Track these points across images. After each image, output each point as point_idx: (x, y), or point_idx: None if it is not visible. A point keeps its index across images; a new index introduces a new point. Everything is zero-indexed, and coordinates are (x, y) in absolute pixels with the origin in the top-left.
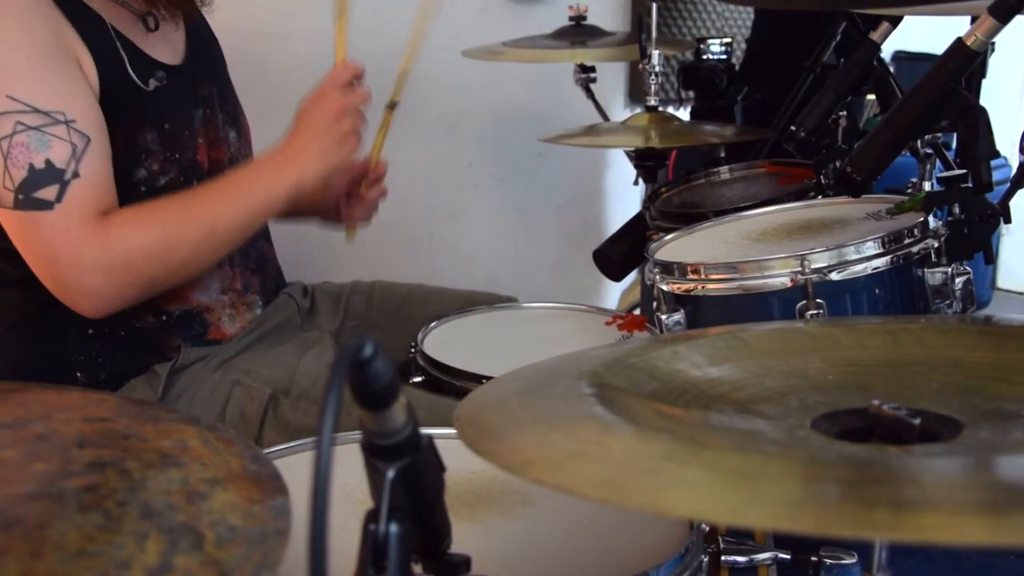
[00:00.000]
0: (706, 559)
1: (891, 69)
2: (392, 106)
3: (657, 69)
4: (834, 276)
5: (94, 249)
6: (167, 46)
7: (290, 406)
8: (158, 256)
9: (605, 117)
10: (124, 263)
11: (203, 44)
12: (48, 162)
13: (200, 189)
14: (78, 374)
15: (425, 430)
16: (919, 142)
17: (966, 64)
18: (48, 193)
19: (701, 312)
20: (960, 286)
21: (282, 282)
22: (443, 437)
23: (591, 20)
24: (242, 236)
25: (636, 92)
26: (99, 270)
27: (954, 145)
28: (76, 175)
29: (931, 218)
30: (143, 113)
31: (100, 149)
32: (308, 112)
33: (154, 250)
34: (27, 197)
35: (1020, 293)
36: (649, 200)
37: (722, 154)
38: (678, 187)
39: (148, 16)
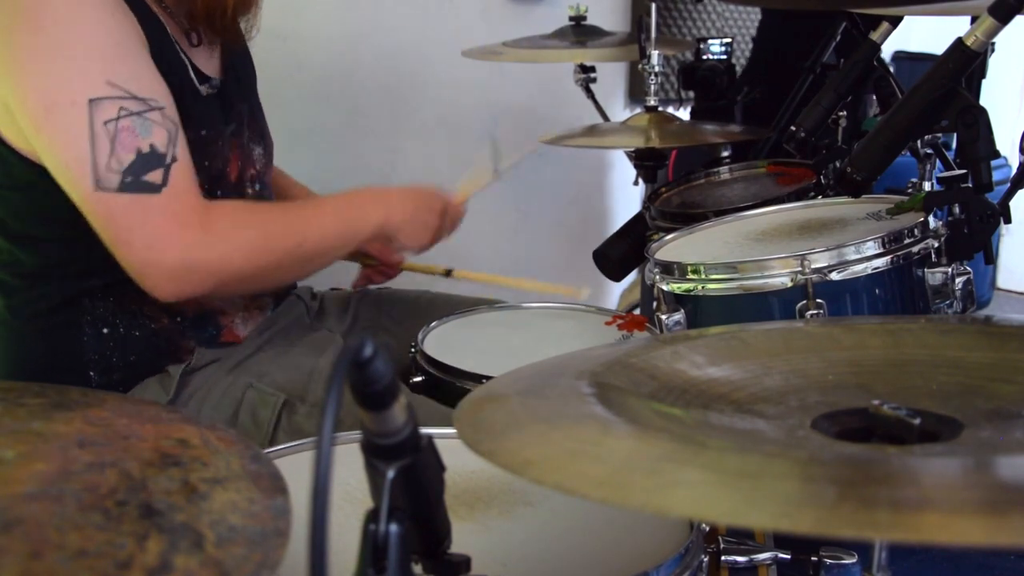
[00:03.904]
0: (706, 559)
1: (891, 69)
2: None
3: (657, 69)
4: (834, 276)
5: (197, 232)
6: (207, 60)
7: (306, 413)
8: (252, 256)
9: (605, 117)
10: (221, 253)
11: (238, 61)
12: (152, 147)
13: (296, 203)
14: (91, 373)
15: (425, 430)
16: (919, 142)
17: (966, 64)
18: (155, 176)
19: (701, 312)
20: (960, 286)
21: (292, 286)
22: (443, 437)
23: (591, 20)
24: (322, 259)
25: (636, 92)
26: (196, 254)
27: (954, 145)
28: (175, 159)
29: (931, 218)
30: (189, 117)
31: (183, 136)
32: (422, 191)
33: (250, 249)
34: (136, 180)
35: (1020, 293)
36: (649, 200)
37: (724, 153)
38: (678, 187)
39: (191, 32)
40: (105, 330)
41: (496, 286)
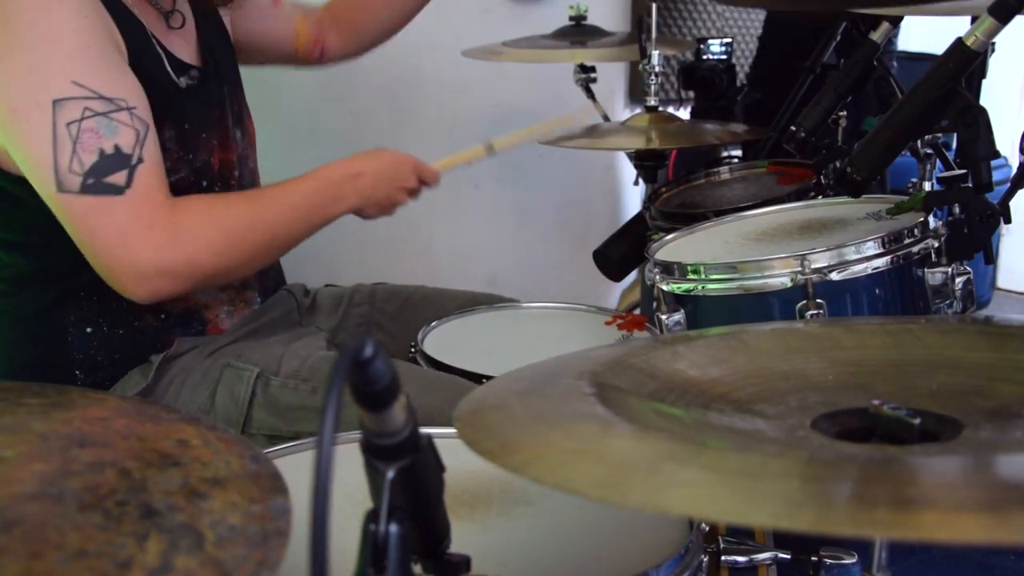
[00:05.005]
0: (706, 559)
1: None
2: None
3: (657, 69)
4: (834, 276)
5: (163, 233)
6: (186, 46)
7: (280, 384)
8: (221, 253)
9: (605, 117)
10: (188, 253)
11: (216, 42)
12: (117, 147)
13: (267, 194)
14: (77, 372)
15: (425, 430)
16: (919, 142)
17: (966, 64)
18: (118, 178)
19: (701, 312)
20: (960, 286)
21: (281, 281)
22: (443, 437)
23: (591, 20)
24: (290, 247)
25: (636, 92)
26: (164, 255)
27: (954, 145)
28: (141, 160)
29: (931, 218)
30: (169, 112)
31: (154, 136)
32: (389, 161)
33: (219, 247)
34: (97, 182)
35: (1020, 293)
36: (649, 200)
37: (725, 153)
38: (678, 187)
39: (173, 13)
40: (89, 329)
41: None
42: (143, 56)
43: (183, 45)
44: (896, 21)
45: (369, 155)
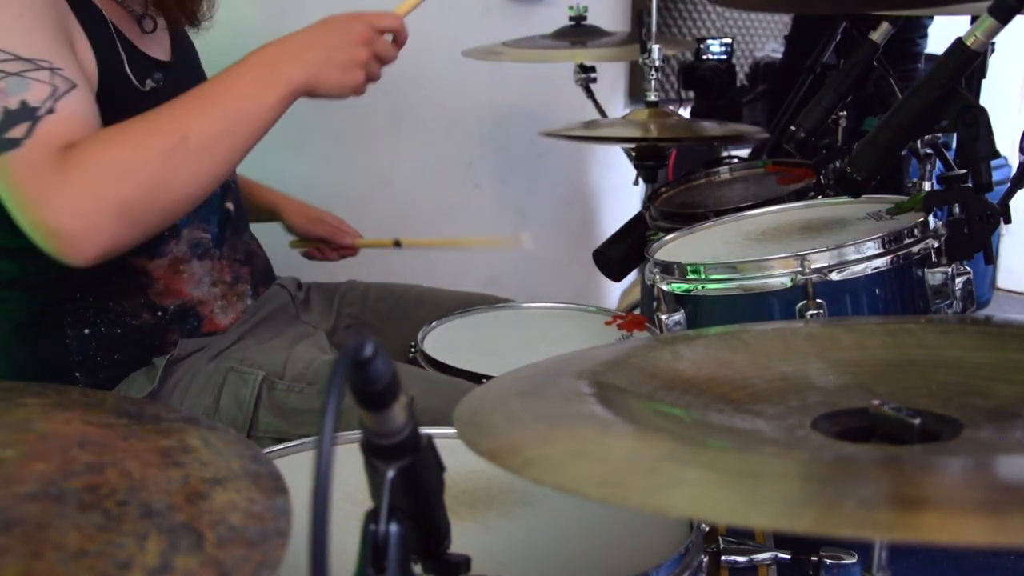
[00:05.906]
0: (706, 559)
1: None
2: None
3: (657, 63)
4: (834, 276)
5: (54, 176)
6: (158, 44)
7: (286, 388)
8: (121, 172)
9: (604, 116)
10: (85, 185)
11: (185, 44)
12: (23, 103)
13: (176, 98)
14: (77, 374)
15: (425, 430)
16: (919, 142)
17: (966, 64)
18: (18, 131)
19: (701, 312)
20: (960, 286)
21: (271, 275)
22: (443, 437)
23: (591, 20)
24: (225, 148)
25: (636, 92)
26: (66, 199)
27: (954, 145)
28: (51, 111)
29: (931, 218)
30: (135, 111)
31: (85, 95)
32: (331, 22)
33: (116, 166)
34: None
35: (1020, 293)
36: (649, 200)
37: (726, 153)
38: (678, 187)
39: (145, 18)
40: (87, 331)
41: (441, 248)
42: (106, 55)
43: (155, 44)
44: (896, 21)
45: (305, 29)
